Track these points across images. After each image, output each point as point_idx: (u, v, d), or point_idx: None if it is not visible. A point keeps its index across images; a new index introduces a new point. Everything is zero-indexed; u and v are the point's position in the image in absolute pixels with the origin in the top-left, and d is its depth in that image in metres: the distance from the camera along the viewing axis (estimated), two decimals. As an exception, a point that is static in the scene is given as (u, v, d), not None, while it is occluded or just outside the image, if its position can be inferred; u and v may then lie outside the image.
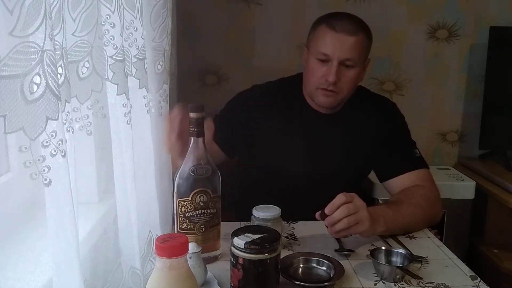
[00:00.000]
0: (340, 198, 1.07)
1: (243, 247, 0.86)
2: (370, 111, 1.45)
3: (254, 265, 0.87)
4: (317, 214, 1.09)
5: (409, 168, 1.37)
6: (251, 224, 1.10)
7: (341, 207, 1.06)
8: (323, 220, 1.09)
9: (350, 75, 1.32)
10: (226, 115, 1.44)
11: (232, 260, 0.89)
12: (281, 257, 1.04)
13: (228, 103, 1.48)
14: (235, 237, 0.88)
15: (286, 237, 1.19)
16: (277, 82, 1.50)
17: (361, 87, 1.46)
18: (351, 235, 1.18)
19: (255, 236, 0.88)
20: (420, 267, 1.06)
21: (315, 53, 1.32)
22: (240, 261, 0.87)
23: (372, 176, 1.60)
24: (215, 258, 1.05)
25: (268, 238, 0.88)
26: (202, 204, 1.00)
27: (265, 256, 0.87)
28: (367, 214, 1.08)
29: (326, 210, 1.07)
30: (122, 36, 0.76)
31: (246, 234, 0.89)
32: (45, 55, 0.53)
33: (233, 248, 0.89)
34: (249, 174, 1.51)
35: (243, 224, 1.25)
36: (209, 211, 1.02)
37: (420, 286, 0.99)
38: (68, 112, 0.62)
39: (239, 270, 0.88)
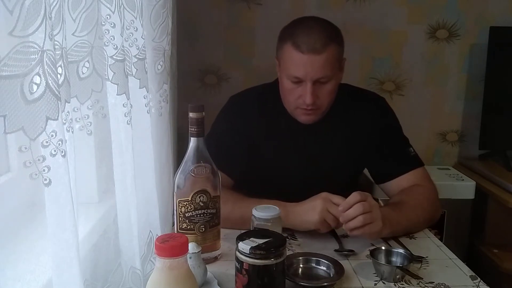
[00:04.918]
0: (354, 196, 1.07)
1: (248, 252, 0.83)
2: (358, 110, 1.38)
3: (259, 271, 0.84)
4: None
5: (405, 170, 1.34)
6: (251, 224, 1.10)
7: (356, 204, 1.06)
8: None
9: (328, 89, 1.25)
10: (224, 140, 1.33)
11: (237, 265, 0.86)
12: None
13: (218, 123, 1.39)
14: (240, 242, 0.85)
15: (286, 237, 1.19)
16: (260, 89, 1.44)
17: (344, 85, 1.36)
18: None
19: (261, 241, 0.85)
20: (420, 267, 1.06)
21: (286, 75, 1.24)
22: (245, 266, 0.84)
23: (372, 176, 1.60)
24: (215, 258, 1.05)
25: (273, 243, 0.85)
26: (202, 204, 1.00)
27: (271, 261, 0.84)
28: (380, 214, 1.08)
29: (340, 208, 1.07)
30: (122, 36, 0.76)
31: (251, 239, 0.85)
32: (45, 55, 0.53)
33: (237, 253, 0.86)
34: (243, 180, 1.40)
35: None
36: (209, 211, 1.02)
37: (420, 286, 0.99)
38: (68, 112, 0.62)
39: (244, 275, 0.85)
